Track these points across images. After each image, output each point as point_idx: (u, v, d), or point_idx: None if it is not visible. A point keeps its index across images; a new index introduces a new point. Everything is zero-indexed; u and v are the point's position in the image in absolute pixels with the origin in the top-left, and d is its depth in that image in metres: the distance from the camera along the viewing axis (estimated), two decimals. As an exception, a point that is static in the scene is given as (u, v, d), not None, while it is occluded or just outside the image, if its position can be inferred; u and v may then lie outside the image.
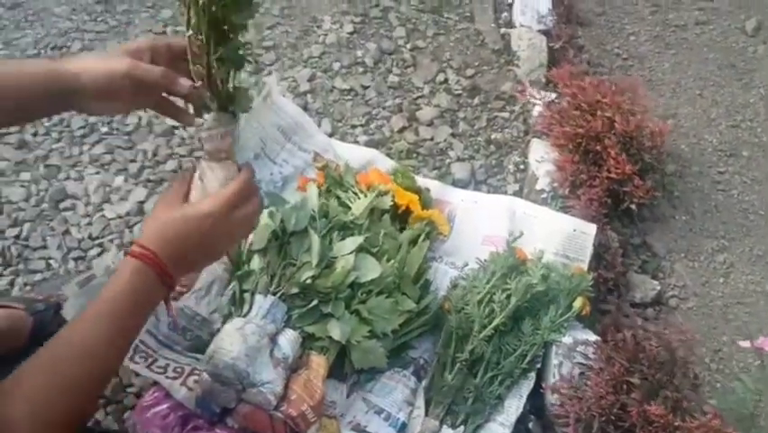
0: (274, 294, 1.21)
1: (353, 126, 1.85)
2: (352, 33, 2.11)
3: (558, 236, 1.52)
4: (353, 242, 1.27)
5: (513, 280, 1.39)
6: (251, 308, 1.22)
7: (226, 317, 1.25)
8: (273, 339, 1.19)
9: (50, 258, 1.54)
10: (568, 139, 1.62)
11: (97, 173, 1.68)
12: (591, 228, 1.53)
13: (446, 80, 1.99)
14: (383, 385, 1.32)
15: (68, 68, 0.90)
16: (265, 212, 1.27)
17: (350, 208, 1.39)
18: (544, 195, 1.66)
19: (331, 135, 1.79)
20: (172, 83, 0.92)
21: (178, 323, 1.28)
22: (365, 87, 1.95)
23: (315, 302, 1.21)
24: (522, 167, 1.77)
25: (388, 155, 1.76)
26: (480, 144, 1.84)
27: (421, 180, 1.62)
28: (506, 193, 1.73)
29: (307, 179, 1.49)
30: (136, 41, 0.96)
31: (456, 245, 1.53)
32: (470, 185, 1.73)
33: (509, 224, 1.54)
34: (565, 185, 1.62)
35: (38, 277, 1.51)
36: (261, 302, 1.20)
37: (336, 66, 2.00)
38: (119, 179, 1.67)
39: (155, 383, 1.22)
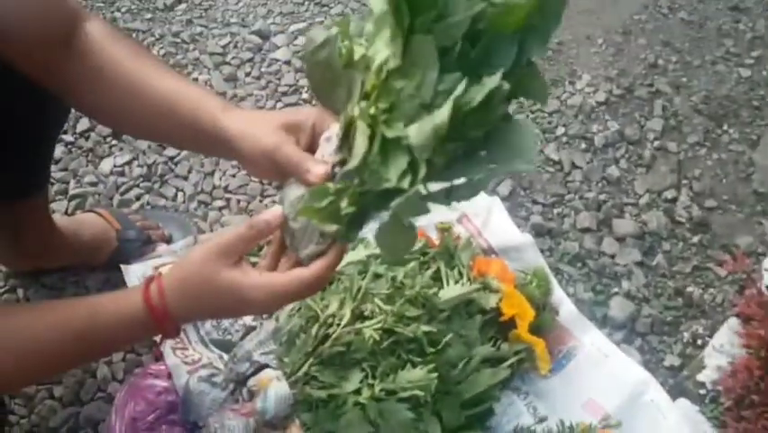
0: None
1: (535, 202, 1.58)
2: (602, 103, 1.82)
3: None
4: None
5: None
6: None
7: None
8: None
9: (182, 190, 1.56)
10: (762, 343, 1.20)
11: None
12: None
13: (674, 200, 1.62)
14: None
15: (223, 128, 0.80)
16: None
17: (440, 288, 1.18)
18: (702, 391, 1.26)
19: (504, 200, 1.55)
20: (304, 176, 0.74)
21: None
22: (575, 166, 1.66)
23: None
24: (699, 342, 1.37)
25: (547, 251, 1.48)
26: (668, 291, 1.46)
27: (557, 295, 1.33)
28: (662, 363, 1.35)
29: (423, 234, 1.30)
30: (302, 112, 0.80)
31: (551, 391, 1.23)
32: (621, 332, 1.38)
33: (625, 403, 1.19)
34: (730, 395, 1.21)
35: (162, 203, 1.54)
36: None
37: (560, 130, 1.74)
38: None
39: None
